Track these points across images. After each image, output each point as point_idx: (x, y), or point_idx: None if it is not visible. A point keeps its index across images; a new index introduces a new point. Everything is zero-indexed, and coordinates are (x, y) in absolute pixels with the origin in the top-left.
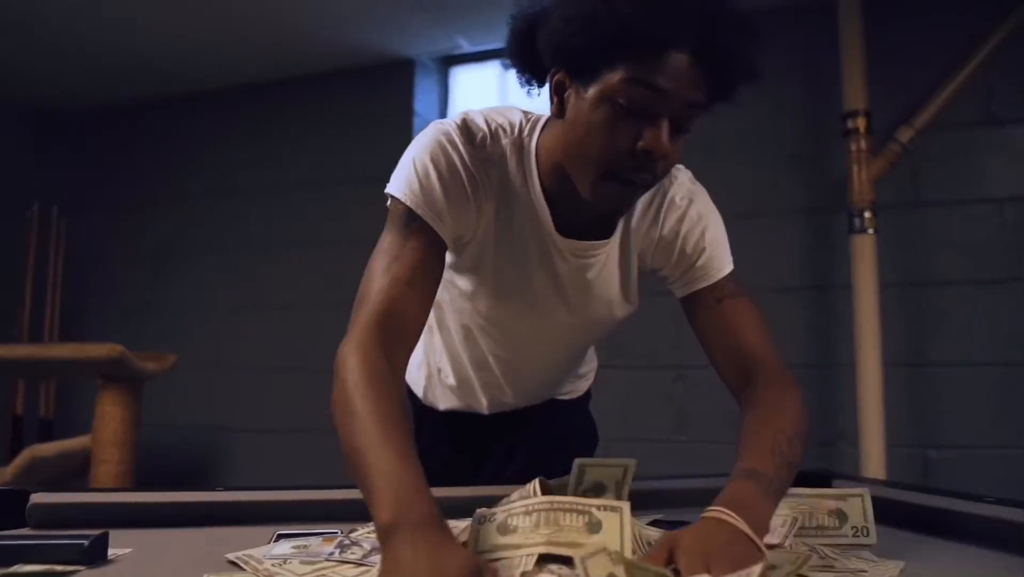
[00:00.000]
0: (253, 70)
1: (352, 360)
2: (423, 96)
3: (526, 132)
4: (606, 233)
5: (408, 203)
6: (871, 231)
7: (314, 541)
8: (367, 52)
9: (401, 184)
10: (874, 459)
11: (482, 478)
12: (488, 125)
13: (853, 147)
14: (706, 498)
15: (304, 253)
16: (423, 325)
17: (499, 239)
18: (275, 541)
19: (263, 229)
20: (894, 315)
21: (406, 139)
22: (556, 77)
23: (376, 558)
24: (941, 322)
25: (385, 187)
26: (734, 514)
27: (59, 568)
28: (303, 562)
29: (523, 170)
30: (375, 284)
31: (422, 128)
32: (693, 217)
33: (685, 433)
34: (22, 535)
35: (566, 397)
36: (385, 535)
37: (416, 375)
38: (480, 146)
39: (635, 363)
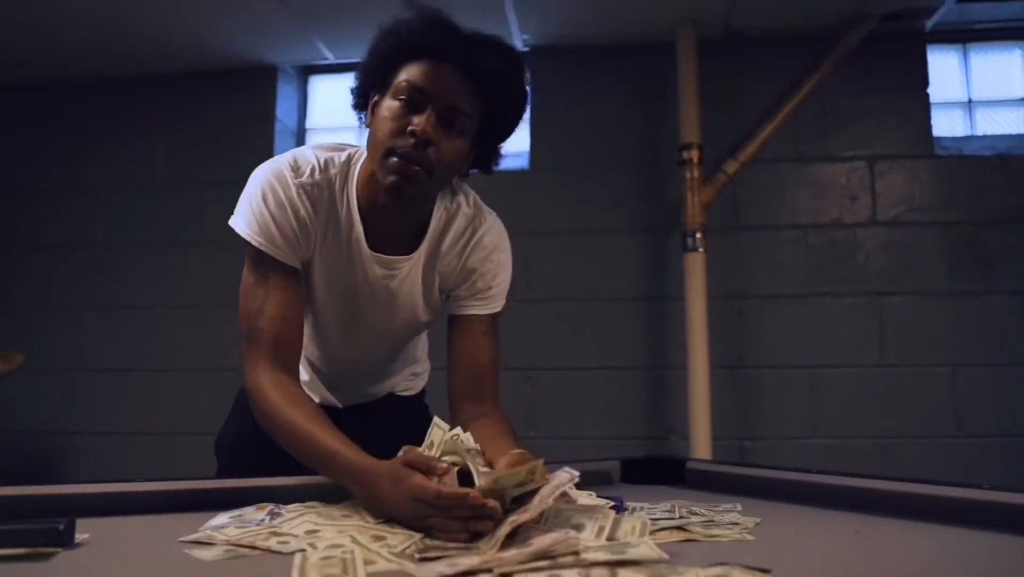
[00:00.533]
0: (115, 64)
1: (266, 390)
2: (284, 102)
3: (354, 160)
4: (411, 250)
5: (254, 244)
6: (701, 250)
7: (248, 510)
8: (231, 55)
9: (243, 223)
10: (701, 449)
11: None
12: (317, 158)
13: (687, 175)
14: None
15: (158, 253)
16: (301, 337)
17: (325, 253)
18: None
19: (116, 227)
20: (718, 324)
21: (267, 144)
22: (373, 97)
23: (299, 527)
24: (757, 331)
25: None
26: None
27: (43, 550)
28: (236, 528)
29: (345, 192)
30: (257, 323)
31: (283, 133)
32: (493, 260)
33: (535, 429)
34: None
35: (406, 393)
36: (360, 494)
37: None
38: (308, 178)
39: None
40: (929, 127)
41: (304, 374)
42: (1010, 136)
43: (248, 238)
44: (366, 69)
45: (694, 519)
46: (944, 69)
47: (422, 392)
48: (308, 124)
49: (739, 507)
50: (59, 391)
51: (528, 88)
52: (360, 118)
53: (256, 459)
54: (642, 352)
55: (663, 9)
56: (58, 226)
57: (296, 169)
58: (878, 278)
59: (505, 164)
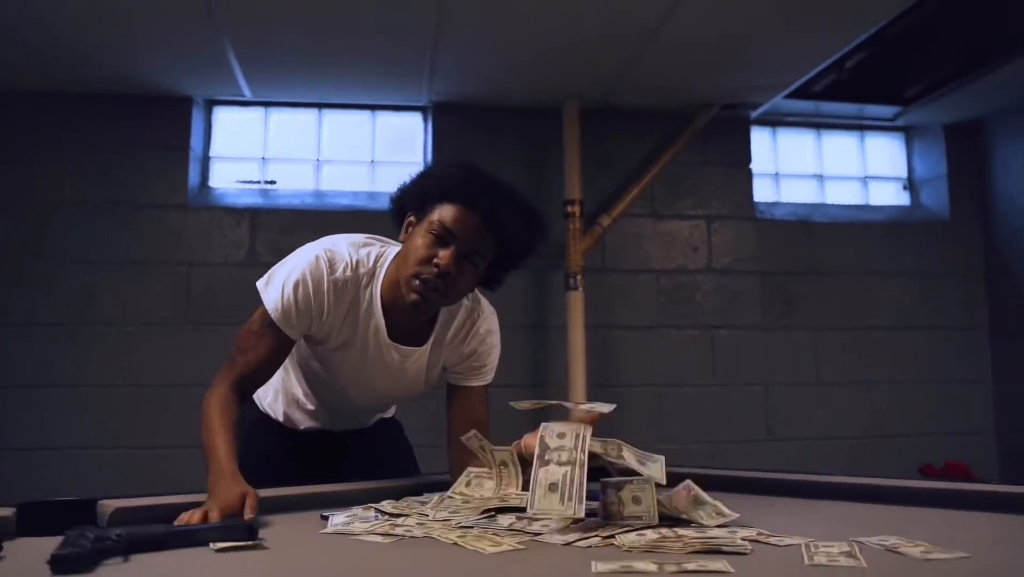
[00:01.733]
0: (32, 79)
1: (213, 400)
2: (193, 131)
3: (380, 262)
4: (422, 341)
5: (275, 319)
6: (580, 289)
7: (357, 510)
8: (151, 84)
9: (271, 300)
10: None
11: (337, 474)
12: (351, 257)
13: (570, 226)
14: None
15: (69, 271)
16: (263, 381)
17: (343, 335)
18: (329, 518)
19: (23, 243)
20: (592, 350)
21: (183, 171)
22: (408, 219)
23: (411, 520)
24: (619, 355)
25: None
26: None
27: (240, 544)
28: (362, 522)
29: (370, 290)
30: (240, 358)
31: (193, 160)
32: (487, 343)
33: (435, 437)
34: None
35: (388, 416)
36: (211, 486)
37: (274, 405)
38: (341, 274)
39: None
40: (751, 194)
41: (309, 405)
42: (807, 204)
43: (271, 313)
44: (410, 194)
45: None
46: (760, 148)
47: (394, 415)
48: (212, 152)
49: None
50: None
51: (537, 243)
52: (395, 223)
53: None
54: (527, 372)
55: (553, 85)
56: None
57: (332, 265)
58: (711, 314)
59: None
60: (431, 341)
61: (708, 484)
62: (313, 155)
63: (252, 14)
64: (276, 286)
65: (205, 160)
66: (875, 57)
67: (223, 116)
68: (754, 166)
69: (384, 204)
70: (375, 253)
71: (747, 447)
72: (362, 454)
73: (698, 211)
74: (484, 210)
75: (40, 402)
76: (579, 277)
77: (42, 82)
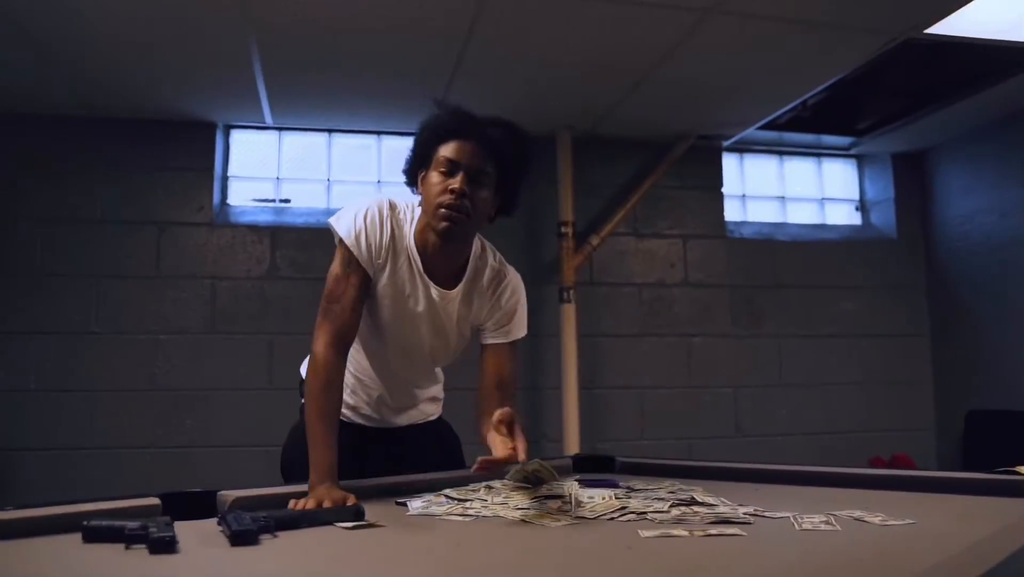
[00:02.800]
0: (66, 103)
1: (320, 368)
2: (219, 156)
3: (414, 211)
4: (454, 285)
5: (350, 248)
6: (573, 302)
7: (431, 496)
8: (177, 109)
9: (344, 228)
10: (572, 449)
11: (398, 469)
12: (405, 205)
13: (564, 245)
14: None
15: (105, 284)
16: (358, 324)
17: (392, 274)
18: (409, 503)
19: (56, 256)
20: (582, 356)
21: (208, 190)
22: (420, 175)
23: (476, 504)
24: (604, 361)
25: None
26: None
27: (358, 524)
28: (437, 506)
29: (409, 235)
30: (334, 306)
31: (216, 180)
32: (514, 300)
33: None
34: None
35: (432, 417)
36: (313, 483)
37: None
38: (401, 214)
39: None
40: (722, 215)
41: (365, 379)
42: (770, 224)
43: (344, 238)
44: (414, 155)
45: (670, 486)
46: (729, 172)
47: (441, 416)
48: (230, 172)
49: (677, 483)
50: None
51: (527, 152)
52: (412, 190)
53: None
54: (523, 376)
55: (548, 117)
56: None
57: (393, 207)
58: (687, 324)
59: None
60: (461, 287)
61: (699, 474)
62: (324, 175)
63: (287, 56)
64: (347, 218)
65: (224, 179)
66: (833, 95)
67: (239, 138)
68: (725, 189)
69: None
70: (413, 205)
71: (718, 443)
72: (418, 448)
73: (675, 230)
74: (478, 136)
75: (78, 406)
76: (571, 291)
77: (73, 106)
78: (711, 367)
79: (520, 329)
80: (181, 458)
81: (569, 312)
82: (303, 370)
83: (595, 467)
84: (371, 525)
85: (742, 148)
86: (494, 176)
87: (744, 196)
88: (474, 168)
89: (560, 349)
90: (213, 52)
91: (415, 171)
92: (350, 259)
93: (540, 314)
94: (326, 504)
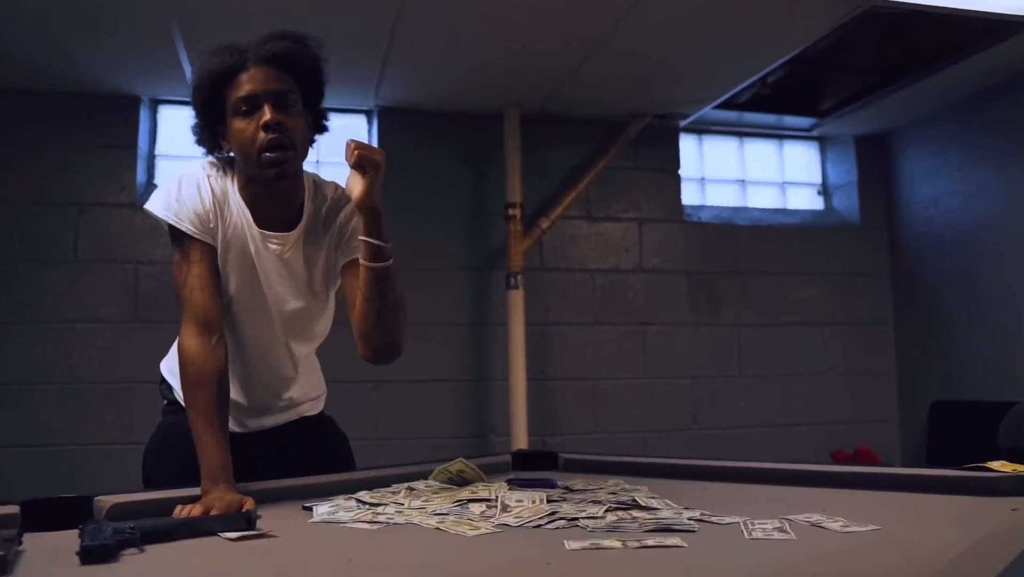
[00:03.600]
0: None
1: (190, 361)
2: (143, 132)
3: (234, 169)
4: (292, 227)
5: (177, 226)
6: (521, 288)
7: (340, 500)
8: (101, 83)
9: (164, 208)
10: (520, 444)
11: (280, 474)
12: (219, 162)
13: (511, 228)
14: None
15: (19, 270)
16: (220, 307)
17: (228, 234)
18: (313, 508)
19: None
20: (531, 345)
21: (131, 168)
22: (220, 134)
23: (390, 508)
24: (555, 350)
25: (144, 207)
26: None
27: (246, 533)
28: (346, 512)
29: (233, 192)
30: (184, 292)
31: (140, 158)
32: (356, 218)
33: (379, 432)
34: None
35: (311, 414)
36: (205, 488)
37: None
38: (216, 173)
39: (340, 377)
40: (679, 198)
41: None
42: (729, 208)
43: (165, 217)
44: (202, 117)
45: (613, 487)
46: (687, 154)
47: (323, 411)
48: (157, 151)
49: (622, 482)
50: None
51: (317, 54)
52: (223, 155)
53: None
54: (467, 367)
55: (496, 93)
56: None
57: (210, 167)
58: (642, 312)
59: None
60: (302, 224)
61: (646, 471)
62: None
63: (207, 17)
64: (163, 195)
65: (151, 158)
66: (794, 73)
67: (168, 115)
68: (682, 172)
69: None
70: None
71: (675, 436)
72: (301, 451)
73: (630, 214)
74: (260, 58)
75: None
76: (520, 276)
77: None
78: (667, 357)
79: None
80: (104, 457)
81: (517, 299)
82: (163, 368)
83: (536, 464)
84: (260, 535)
85: (701, 129)
86: (296, 91)
87: (703, 179)
88: (275, 92)
89: (507, 338)
90: (130, 17)
91: (213, 135)
92: (182, 237)
93: (486, 301)
94: (214, 511)
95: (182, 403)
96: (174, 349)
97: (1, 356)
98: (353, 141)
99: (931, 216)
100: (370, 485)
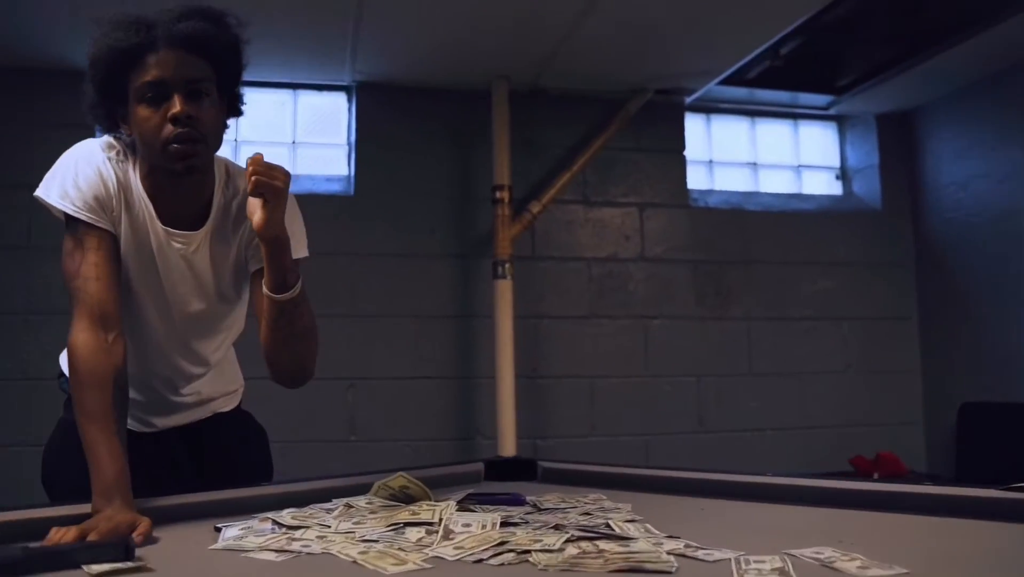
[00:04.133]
0: None
1: (75, 349)
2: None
3: (133, 151)
4: (198, 227)
5: (69, 211)
6: (509, 277)
7: (254, 521)
8: (47, 55)
9: (56, 193)
10: (508, 448)
11: (196, 475)
12: (121, 142)
13: (499, 212)
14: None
15: None
16: (119, 301)
17: (128, 224)
18: (222, 531)
19: None
20: (521, 340)
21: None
22: (119, 114)
23: (310, 533)
24: (548, 346)
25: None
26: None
27: (119, 566)
28: (256, 536)
29: (136, 177)
30: (75, 283)
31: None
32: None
33: (356, 433)
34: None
35: (226, 409)
36: (95, 504)
37: None
38: (115, 155)
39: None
40: (685, 181)
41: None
42: (739, 192)
43: (60, 205)
44: (101, 94)
45: (589, 507)
46: (694, 134)
47: (240, 405)
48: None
49: (604, 497)
50: None
51: (238, 34)
52: (122, 136)
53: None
54: (452, 364)
55: (482, 66)
56: None
57: (108, 147)
58: (643, 304)
59: (329, 188)
60: (209, 225)
61: (634, 484)
62: (230, 135)
63: None
64: (56, 180)
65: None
66: (809, 45)
67: None
68: (688, 153)
69: (306, 187)
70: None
71: (678, 439)
72: (214, 448)
73: (631, 198)
74: (171, 39)
75: None
76: (508, 265)
77: None
78: (671, 353)
79: (297, 243)
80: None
81: (504, 289)
82: (62, 361)
83: (512, 473)
84: (136, 568)
85: (708, 107)
86: (211, 76)
87: (711, 161)
88: (186, 79)
89: (494, 332)
90: None
91: (111, 114)
92: (76, 224)
93: (473, 292)
94: (92, 536)
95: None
96: None
97: None
98: (252, 161)
99: (960, 201)
100: (305, 500)
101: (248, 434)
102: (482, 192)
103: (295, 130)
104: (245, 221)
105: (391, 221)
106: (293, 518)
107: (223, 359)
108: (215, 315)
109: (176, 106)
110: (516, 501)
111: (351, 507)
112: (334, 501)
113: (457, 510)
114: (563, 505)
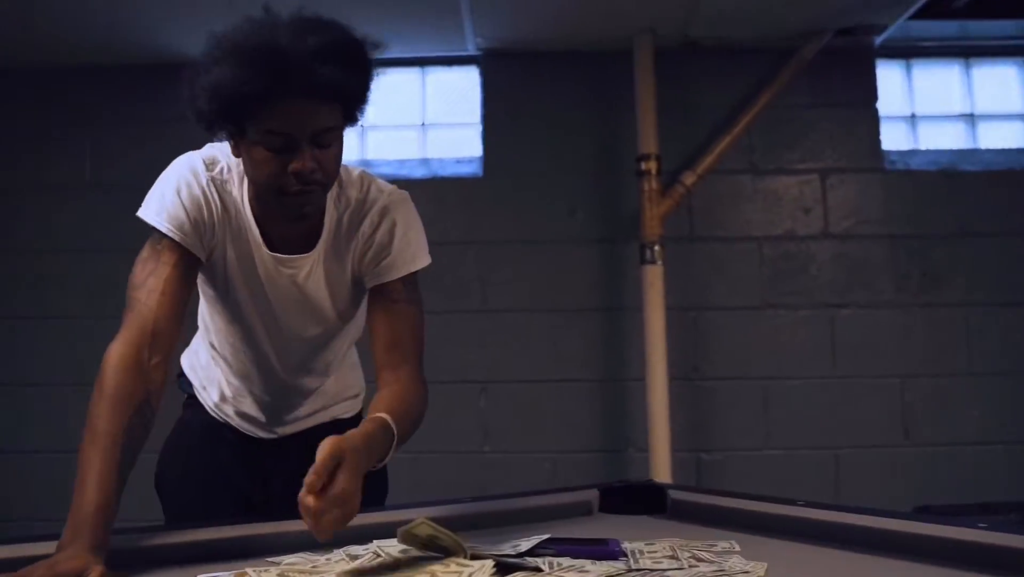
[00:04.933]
0: (34, 53)
1: (111, 365)
2: None
3: (240, 168)
4: (309, 248)
5: (156, 224)
6: (660, 262)
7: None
8: (167, 49)
9: (153, 212)
10: (661, 463)
11: (272, 501)
12: (225, 158)
13: (645, 186)
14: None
15: (89, 259)
16: (178, 325)
17: (236, 248)
18: None
19: (34, 231)
20: (675, 336)
21: (204, 141)
22: (231, 136)
23: None
24: (712, 342)
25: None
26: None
27: None
28: None
29: (241, 196)
30: (137, 293)
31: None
32: (386, 224)
33: (489, 443)
34: None
35: (347, 416)
36: (62, 541)
37: (221, 405)
38: (218, 174)
39: (442, 378)
40: (878, 141)
41: (242, 384)
42: (952, 151)
43: (156, 224)
44: (215, 118)
45: (704, 568)
46: (889, 84)
47: (360, 413)
48: None
49: (736, 546)
50: None
51: (372, 70)
52: (219, 138)
53: (209, 498)
54: (598, 364)
55: (621, 18)
56: None
57: (209, 164)
58: (830, 290)
59: (457, 170)
60: (321, 247)
61: (789, 528)
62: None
63: None
64: (156, 198)
65: None
66: None
67: None
68: (881, 106)
69: (438, 171)
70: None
71: (879, 454)
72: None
73: (809, 164)
74: (300, 90)
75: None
76: (657, 248)
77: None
78: (866, 349)
79: (408, 258)
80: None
81: (654, 276)
82: (183, 361)
83: (633, 504)
84: None
85: (907, 49)
86: (340, 120)
87: (913, 116)
88: (314, 130)
89: (643, 326)
90: None
91: (217, 123)
92: (160, 236)
93: (621, 281)
94: None
95: (200, 399)
96: (195, 343)
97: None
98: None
99: None
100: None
101: None
102: (624, 163)
103: (424, 111)
104: (356, 235)
105: (525, 204)
106: (297, 568)
107: (343, 364)
108: (335, 333)
109: (302, 163)
110: (605, 553)
111: (379, 556)
112: (374, 544)
113: (495, 572)
114: (667, 565)
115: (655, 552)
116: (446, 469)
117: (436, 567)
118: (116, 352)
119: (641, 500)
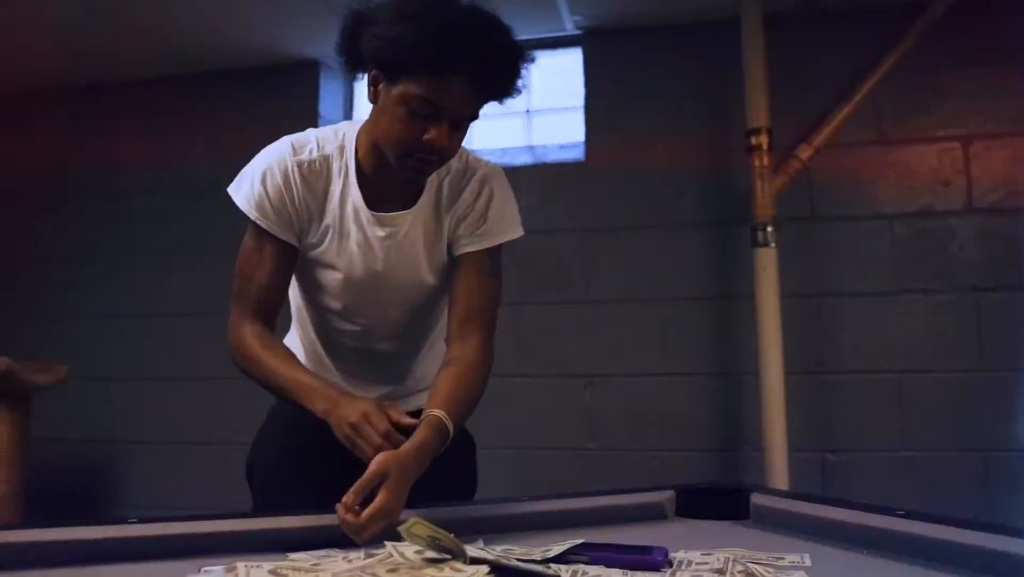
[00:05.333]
0: (148, 64)
1: (248, 339)
2: (328, 98)
3: (347, 130)
4: (410, 204)
5: (252, 216)
6: (773, 244)
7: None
8: (271, 51)
9: (243, 198)
10: (778, 464)
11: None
12: (317, 138)
13: (756, 163)
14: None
15: (208, 260)
16: (281, 305)
17: (326, 225)
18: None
19: (155, 233)
20: (793, 325)
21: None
22: (372, 72)
23: None
24: (838, 332)
25: None
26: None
27: None
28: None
29: (344, 161)
30: (249, 285)
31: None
32: (484, 195)
33: (595, 440)
34: None
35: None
36: (327, 413)
37: None
38: (306, 156)
39: (546, 372)
40: None
41: (337, 358)
42: None
43: (246, 212)
44: (373, 48)
45: None
46: None
47: None
48: (355, 119)
49: (807, 561)
50: (108, 400)
51: (526, 78)
52: (356, 76)
53: (294, 487)
54: (709, 356)
55: None
56: (97, 234)
57: (296, 149)
58: (975, 272)
59: (559, 156)
60: (419, 208)
61: (876, 542)
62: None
63: None
64: (245, 185)
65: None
66: None
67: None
68: None
69: (544, 157)
70: (344, 125)
71: None
72: None
73: (948, 130)
74: (469, 72)
75: (187, 394)
76: (770, 229)
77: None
78: (1018, 338)
79: (504, 228)
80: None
81: (767, 260)
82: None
83: (713, 506)
84: None
85: None
86: (478, 113)
87: None
88: (459, 114)
89: (756, 315)
90: None
91: (372, 67)
92: (260, 231)
93: (731, 267)
94: (369, 452)
95: None
96: (292, 333)
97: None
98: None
99: None
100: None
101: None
102: (733, 138)
103: (529, 97)
104: (457, 201)
105: (629, 187)
106: (294, 568)
107: (433, 350)
108: (430, 301)
109: (440, 137)
110: (645, 563)
111: (392, 556)
112: (387, 545)
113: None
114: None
115: (704, 564)
116: (548, 467)
117: (431, 571)
118: (249, 330)
119: (724, 504)
